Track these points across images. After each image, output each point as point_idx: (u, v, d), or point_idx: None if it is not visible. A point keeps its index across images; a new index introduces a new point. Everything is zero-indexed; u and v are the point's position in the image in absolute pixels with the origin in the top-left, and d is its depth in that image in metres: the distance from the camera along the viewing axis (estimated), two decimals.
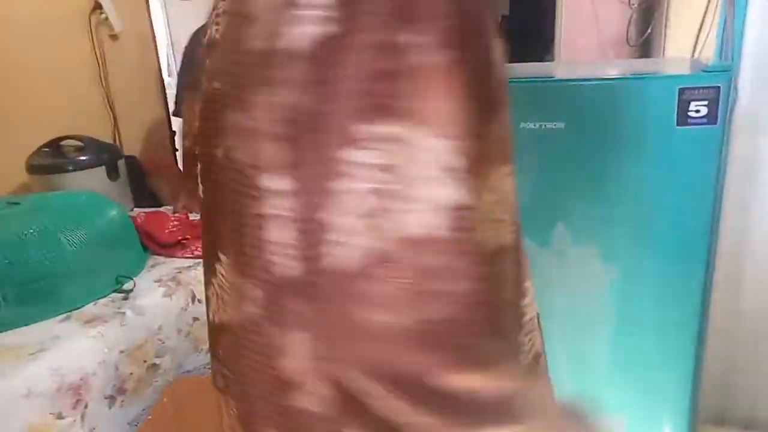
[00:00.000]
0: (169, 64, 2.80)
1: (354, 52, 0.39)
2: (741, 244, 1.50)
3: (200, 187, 0.52)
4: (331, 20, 0.39)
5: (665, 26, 1.71)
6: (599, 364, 1.31)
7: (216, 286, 0.51)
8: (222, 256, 0.49)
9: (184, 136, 1.79)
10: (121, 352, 0.99)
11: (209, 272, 0.52)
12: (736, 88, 1.26)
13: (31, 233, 1.01)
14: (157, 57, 2.08)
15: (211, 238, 0.51)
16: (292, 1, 0.40)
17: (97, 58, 1.80)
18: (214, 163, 0.47)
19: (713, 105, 1.07)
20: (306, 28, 0.40)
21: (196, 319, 1.17)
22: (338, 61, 0.39)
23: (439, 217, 0.39)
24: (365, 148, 0.39)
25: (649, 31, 1.85)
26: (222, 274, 0.49)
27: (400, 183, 0.39)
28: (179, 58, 2.09)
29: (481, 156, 0.41)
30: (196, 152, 0.52)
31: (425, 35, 0.38)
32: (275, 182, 0.42)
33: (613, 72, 1.35)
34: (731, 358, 1.58)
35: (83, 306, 1.04)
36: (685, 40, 1.62)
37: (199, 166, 0.51)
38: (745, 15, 1.13)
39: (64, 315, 1.01)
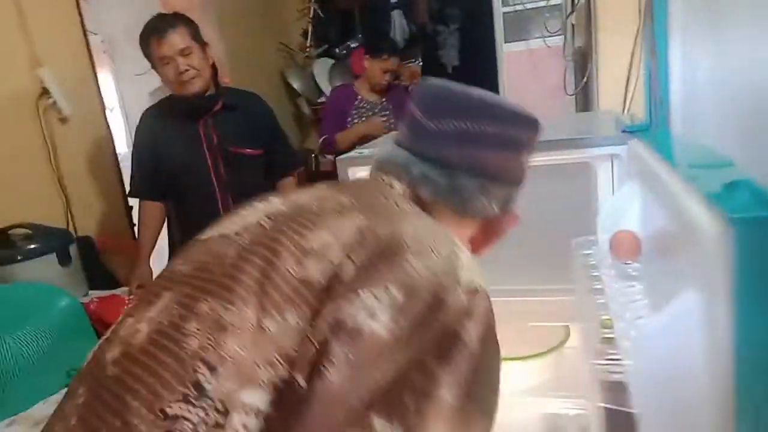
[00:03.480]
0: (127, 138, 2.79)
1: None
2: None
3: None
4: None
5: (596, 78, 1.78)
6: None
7: None
8: None
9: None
10: None
11: None
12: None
13: None
14: (110, 135, 2.07)
15: None
16: None
17: (46, 142, 1.79)
18: None
19: None
20: None
21: None
22: None
23: None
24: None
25: (584, 81, 1.93)
26: None
27: None
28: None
29: None
30: None
31: None
32: None
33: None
34: None
35: (30, 407, 1.00)
36: (616, 90, 1.69)
37: None
38: (667, 67, 1.17)
39: (9, 419, 0.97)
